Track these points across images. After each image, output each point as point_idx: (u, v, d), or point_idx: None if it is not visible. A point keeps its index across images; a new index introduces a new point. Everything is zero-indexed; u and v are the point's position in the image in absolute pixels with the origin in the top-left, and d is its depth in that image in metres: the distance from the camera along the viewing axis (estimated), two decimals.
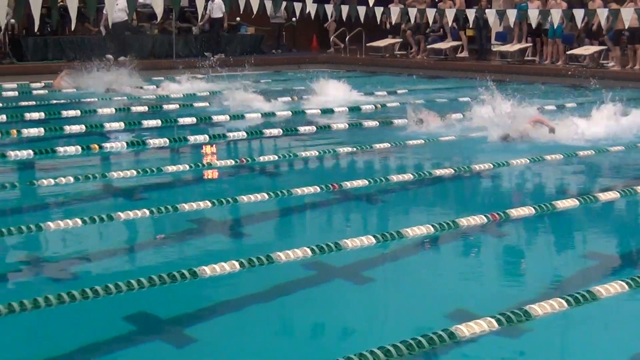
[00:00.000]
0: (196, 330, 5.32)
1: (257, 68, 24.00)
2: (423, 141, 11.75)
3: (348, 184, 9.10)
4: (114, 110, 15.16)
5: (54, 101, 16.31)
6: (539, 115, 11.99)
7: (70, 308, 5.52)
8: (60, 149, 10.83)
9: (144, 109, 15.56)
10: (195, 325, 5.42)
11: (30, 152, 10.68)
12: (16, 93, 17.65)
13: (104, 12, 19.60)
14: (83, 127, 12.99)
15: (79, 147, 11.05)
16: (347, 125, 13.45)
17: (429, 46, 25.62)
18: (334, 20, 26.34)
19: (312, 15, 20.74)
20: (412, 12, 22.53)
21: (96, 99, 16.63)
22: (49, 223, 7.34)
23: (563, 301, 5.49)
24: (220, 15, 25.09)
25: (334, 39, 28.17)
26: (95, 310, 5.60)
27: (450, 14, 22.93)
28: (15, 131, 12.44)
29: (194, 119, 13.96)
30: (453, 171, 9.86)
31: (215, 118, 14.14)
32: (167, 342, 5.18)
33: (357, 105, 15.88)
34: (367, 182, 9.24)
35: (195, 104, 16.00)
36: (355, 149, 11.32)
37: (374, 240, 6.97)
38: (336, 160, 11.13)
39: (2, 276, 6.55)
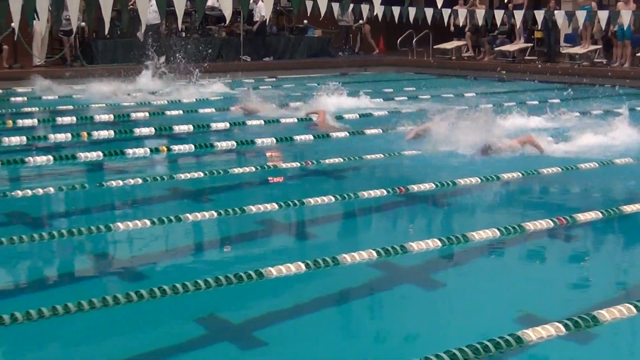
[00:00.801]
0: (261, 329, 5.37)
1: (323, 70, 24.12)
2: None
3: (414, 187, 9.08)
4: (181, 112, 15.33)
5: (124, 103, 16.52)
6: (531, 137, 11.58)
7: (139, 307, 5.60)
8: (129, 151, 10.98)
9: (211, 110, 15.68)
10: (260, 324, 5.47)
11: (100, 153, 10.86)
12: (87, 95, 17.90)
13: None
14: (152, 129, 13.18)
15: (147, 149, 11.19)
16: (412, 128, 13.36)
17: (496, 48, 25.41)
18: (367, 22, 26.42)
19: (380, 18, 20.66)
20: (480, 13, 22.33)
21: (165, 102, 16.81)
22: (118, 223, 7.45)
23: (632, 307, 5.42)
24: (259, 18, 24.83)
25: (371, 41, 28.17)
26: (162, 310, 5.68)
27: (518, 16, 22.67)
28: (85, 133, 12.64)
29: (261, 122, 14.02)
30: (520, 175, 9.76)
31: (283, 121, 14.18)
32: (232, 341, 5.24)
33: (423, 108, 15.78)
34: (433, 185, 9.19)
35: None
36: (420, 151, 11.26)
37: (439, 244, 6.94)
38: (403, 163, 11.09)
39: (72, 275, 6.69)
